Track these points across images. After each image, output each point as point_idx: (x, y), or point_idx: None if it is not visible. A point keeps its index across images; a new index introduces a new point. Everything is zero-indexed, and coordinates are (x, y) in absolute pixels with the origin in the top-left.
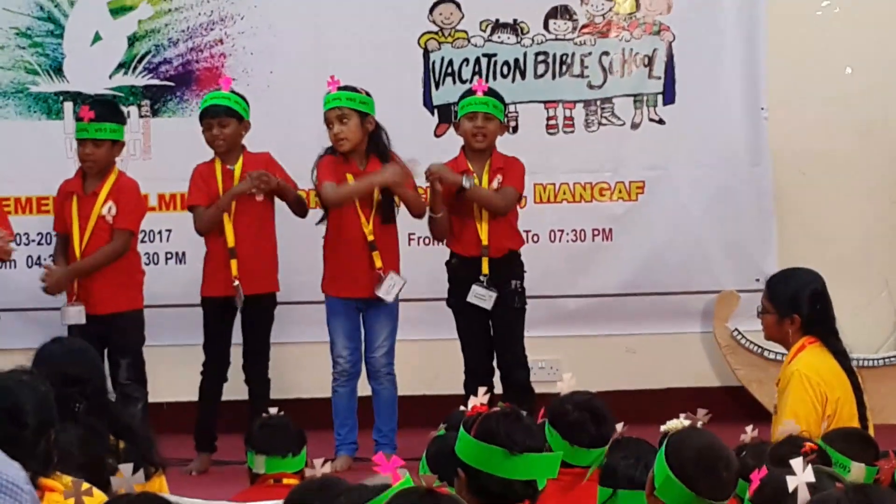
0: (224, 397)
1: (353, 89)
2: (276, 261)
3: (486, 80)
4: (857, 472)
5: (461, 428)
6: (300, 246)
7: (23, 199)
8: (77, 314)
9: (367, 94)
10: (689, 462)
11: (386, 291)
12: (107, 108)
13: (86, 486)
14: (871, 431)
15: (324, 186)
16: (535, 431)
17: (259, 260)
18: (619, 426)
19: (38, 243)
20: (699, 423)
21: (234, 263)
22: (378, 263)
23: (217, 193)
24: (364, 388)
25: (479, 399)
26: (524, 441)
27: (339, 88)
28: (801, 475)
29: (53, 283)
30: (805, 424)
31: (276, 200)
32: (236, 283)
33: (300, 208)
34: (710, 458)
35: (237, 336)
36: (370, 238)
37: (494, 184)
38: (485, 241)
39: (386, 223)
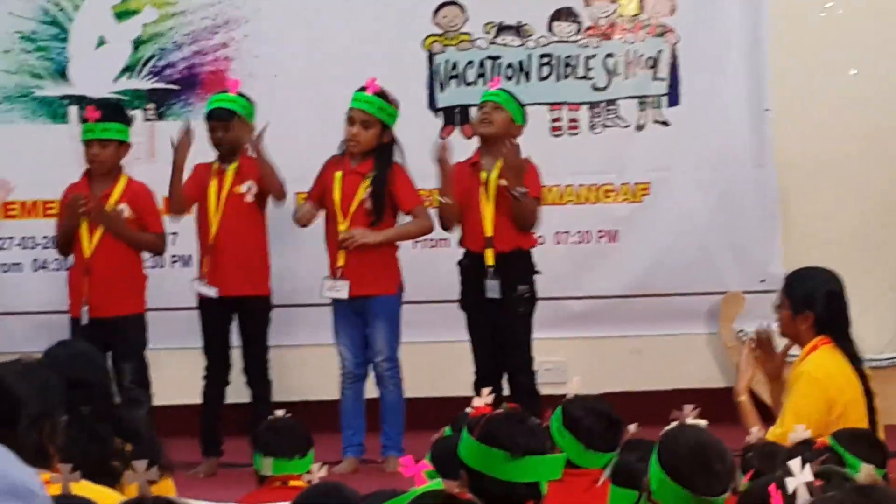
0: (230, 400)
1: (387, 99)
2: (267, 264)
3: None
4: (866, 473)
5: (464, 429)
6: (305, 248)
7: (28, 203)
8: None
9: (397, 105)
10: (681, 461)
11: (328, 288)
12: (112, 110)
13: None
14: (882, 436)
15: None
16: (538, 433)
17: (246, 261)
18: (633, 427)
19: (44, 247)
20: (690, 420)
21: (206, 260)
22: (340, 262)
23: (208, 193)
24: (374, 391)
25: (483, 400)
26: (526, 443)
27: (376, 94)
28: (799, 475)
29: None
30: (808, 425)
31: (268, 203)
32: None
33: (276, 192)
34: (701, 454)
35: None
36: (341, 236)
37: (504, 182)
38: (489, 233)
39: (373, 225)
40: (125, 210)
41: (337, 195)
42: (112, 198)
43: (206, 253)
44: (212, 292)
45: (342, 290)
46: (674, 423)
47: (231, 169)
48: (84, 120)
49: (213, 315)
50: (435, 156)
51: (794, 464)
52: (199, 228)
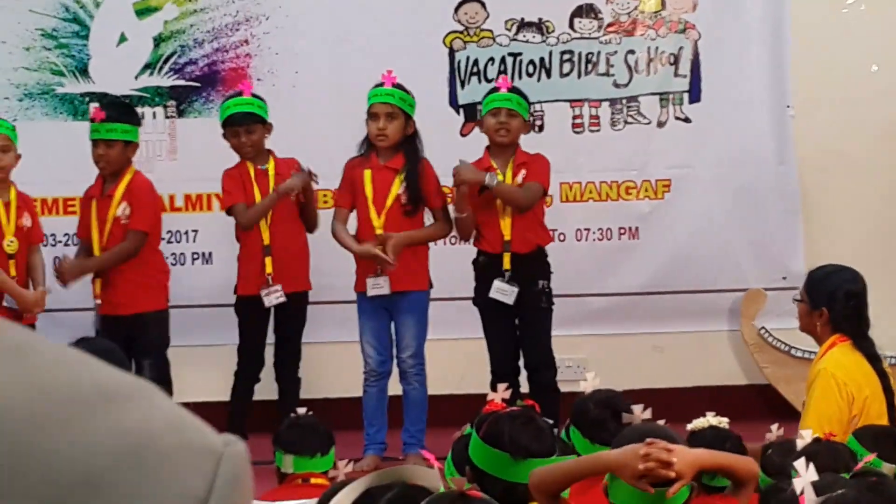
0: (255, 397)
1: (404, 89)
2: (308, 259)
3: (512, 80)
4: (888, 472)
5: (472, 427)
6: (330, 245)
7: (49, 200)
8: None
9: (413, 96)
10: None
11: (371, 287)
12: (119, 110)
13: None
14: None
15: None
16: (544, 435)
17: (292, 258)
18: (638, 409)
19: (65, 244)
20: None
21: (269, 261)
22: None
23: (252, 193)
24: (395, 388)
25: (499, 395)
26: (529, 445)
27: (395, 85)
28: (805, 475)
29: (65, 272)
30: (828, 423)
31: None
32: None
33: (312, 221)
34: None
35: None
36: (378, 231)
37: (518, 179)
38: (507, 237)
39: (409, 216)
40: (128, 208)
41: (369, 192)
42: (115, 196)
43: (262, 255)
44: (276, 300)
45: (384, 287)
46: (699, 420)
47: (270, 168)
48: (91, 120)
49: (252, 311)
50: (457, 178)
51: (800, 464)
52: (246, 232)
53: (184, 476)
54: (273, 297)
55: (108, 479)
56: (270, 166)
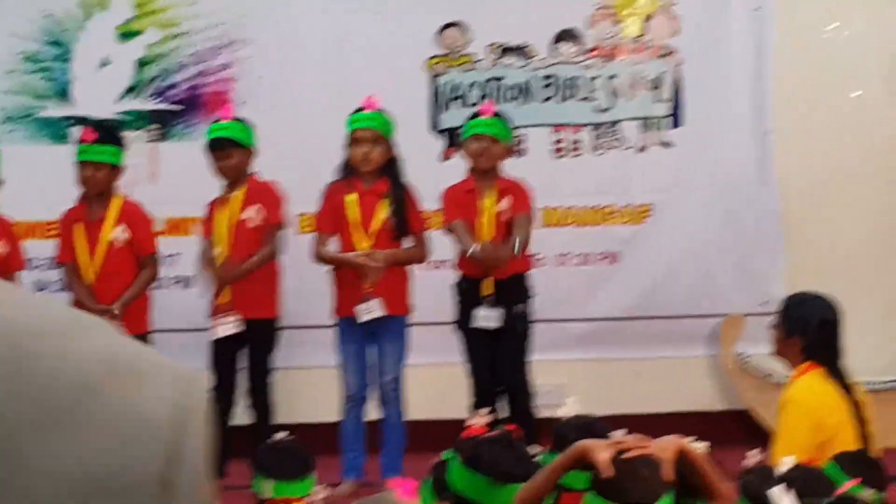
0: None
1: (385, 113)
2: (276, 287)
3: (494, 104)
4: (866, 498)
5: (452, 451)
6: (308, 270)
7: (30, 224)
8: None
9: (392, 119)
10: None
11: (363, 311)
12: (108, 133)
13: None
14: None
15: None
16: (525, 459)
17: (256, 286)
18: (619, 434)
19: (46, 268)
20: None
21: (226, 291)
22: (369, 284)
23: (213, 221)
24: (373, 413)
25: (480, 420)
26: (510, 470)
27: (377, 110)
28: (784, 501)
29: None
30: (799, 451)
31: (281, 225)
32: None
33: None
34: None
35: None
36: (364, 255)
37: (503, 204)
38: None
39: (395, 241)
40: (124, 232)
41: (356, 217)
42: (108, 219)
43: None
44: (231, 329)
45: (375, 311)
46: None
47: (238, 195)
48: (80, 140)
49: (222, 337)
50: (485, 262)
51: (779, 490)
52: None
53: (167, 389)
54: (226, 327)
55: (105, 386)
56: (238, 193)
